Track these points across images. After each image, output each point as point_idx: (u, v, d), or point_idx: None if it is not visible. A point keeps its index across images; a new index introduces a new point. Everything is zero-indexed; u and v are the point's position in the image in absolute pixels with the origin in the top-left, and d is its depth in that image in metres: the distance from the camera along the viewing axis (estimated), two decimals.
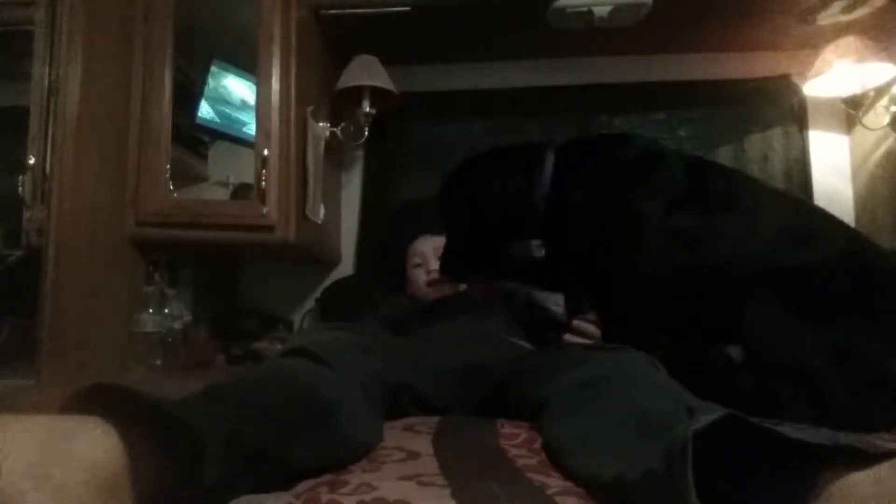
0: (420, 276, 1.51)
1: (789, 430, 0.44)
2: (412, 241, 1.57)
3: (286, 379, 0.68)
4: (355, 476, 0.57)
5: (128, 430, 0.46)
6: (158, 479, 0.47)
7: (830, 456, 0.42)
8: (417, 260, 1.54)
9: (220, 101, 1.67)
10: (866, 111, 1.79)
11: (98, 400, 0.47)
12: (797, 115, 1.94)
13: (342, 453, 0.63)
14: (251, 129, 1.53)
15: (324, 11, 1.70)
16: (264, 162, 1.47)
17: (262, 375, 0.69)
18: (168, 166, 1.47)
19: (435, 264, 1.43)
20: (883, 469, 0.40)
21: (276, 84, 1.51)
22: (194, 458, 0.47)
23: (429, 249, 1.51)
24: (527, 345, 1.23)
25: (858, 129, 1.85)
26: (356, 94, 1.80)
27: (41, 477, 0.40)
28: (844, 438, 0.43)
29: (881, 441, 0.42)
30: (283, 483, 0.55)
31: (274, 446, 0.55)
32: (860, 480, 0.41)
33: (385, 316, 1.43)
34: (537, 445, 0.70)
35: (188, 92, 1.61)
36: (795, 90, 1.91)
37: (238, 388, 0.62)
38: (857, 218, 1.90)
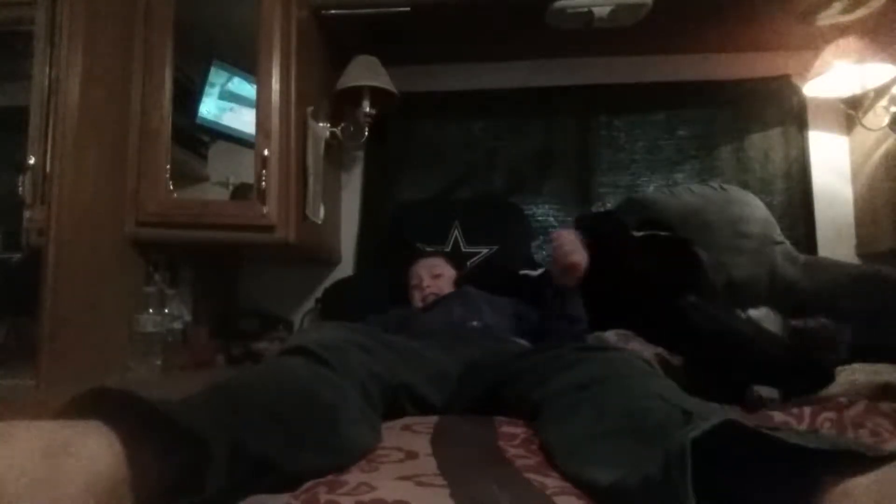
0: (416, 295, 1.56)
1: (788, 434, 0.43)
2: (410, 265, 1.64)
3: (288, 380, 0.68)
4: (354, 476, 0.57)
5: (130, 437, 0.45)
6: (160, 487, 0.46)
7: (830, 460, 0.42)
8: (415, 281, 1.58)
9: (220, 101, 1.67)
10: (866, 112, 1.79)
11: (100, 404, 0.46)
12: (797, 116, 1.94)
13: (343, 459, 0.62)
14: (251, 129, 1.53)
15: (324, 12, 1.70)
16: (264, 162, 1.47)
17: (264, 377, 0.68)
18: (168, 166, 1.47)
19: (429, 282, 1.55)
20: (883, 473, 0.39)
21: (276, 84, 1.51)
22: (198, 467, 0.46)
23: (424, 271, 1.58)
24: (524, 343, 1.23)
25: (858, 129, 1.85)
26: (356, 94, 1.80)
27: (42, 484, 0.39)
28: (844, 443, 0.43)
29: (882, 444, 0.42)
30: (283, 489, 0.54)
31: (278, 456, 0.54)
32: (861, 485, 0.40)
33: (386, 320, 1.44)
34: (536, 446, 0.70)
35: (188, 92, 1.61)
36: (795, 90, 1.91)
37: (241, 391, 0.61)
38: (857, 218, 1.90)
